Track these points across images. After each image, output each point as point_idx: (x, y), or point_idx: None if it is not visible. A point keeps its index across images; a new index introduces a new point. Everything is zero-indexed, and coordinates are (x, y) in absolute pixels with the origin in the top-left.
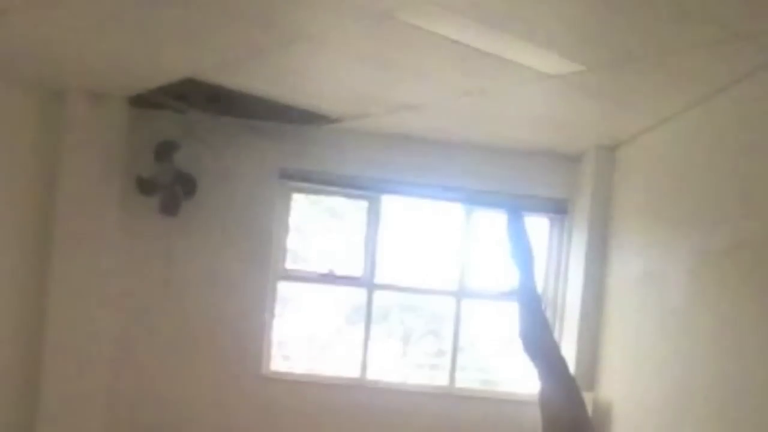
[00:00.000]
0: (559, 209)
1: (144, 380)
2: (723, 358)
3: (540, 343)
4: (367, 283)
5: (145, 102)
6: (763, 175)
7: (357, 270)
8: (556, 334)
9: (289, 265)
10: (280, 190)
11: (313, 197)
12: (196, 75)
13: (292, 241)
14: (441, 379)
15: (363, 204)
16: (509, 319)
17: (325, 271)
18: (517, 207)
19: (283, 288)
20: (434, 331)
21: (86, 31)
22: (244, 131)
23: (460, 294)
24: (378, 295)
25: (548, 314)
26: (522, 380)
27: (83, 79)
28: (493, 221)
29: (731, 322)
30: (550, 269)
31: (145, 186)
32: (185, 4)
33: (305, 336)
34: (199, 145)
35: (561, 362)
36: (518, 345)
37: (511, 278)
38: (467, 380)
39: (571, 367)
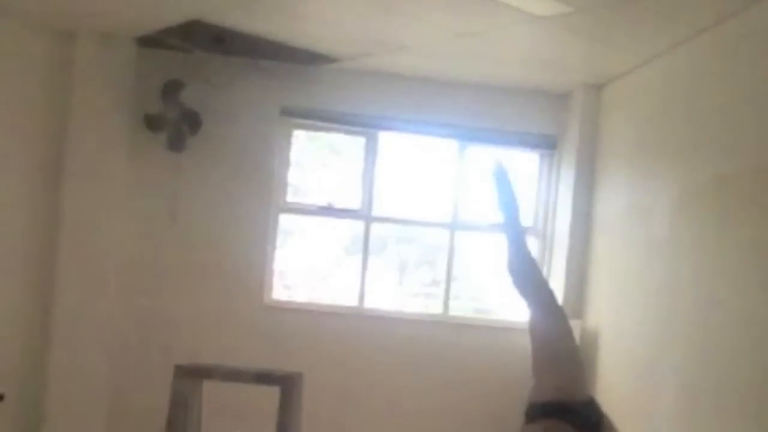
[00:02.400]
0: (548, 145)
1: (151, 308)
2: (706, 286)
3: (528, 276)
4: (364, 215)
5: (152, 42)
6: (744, 112)
7: (355, 203)
8: (545, 265)
9: (290, 198)
10: (281, 126)
11: (312, 133)
12: (201, 16)
13: (292, 176)
14: (435, 308)
15: (360, 140)
16: (500, 250)
17: (324, 204)
18: (501, 162)
19: (284, 220)
20: (429, 262)
21: None
22: (247, 71)
23: (454, 226)
24: (375, 227)
25: (538, 246)
26: (513, 309)
27: (93, 20)
28: (485, 156)
29: (713, 251)
30: (539, 203)
31: (152, 123)
32: None
33: (305, 266)
34: (204, 83)
35: (549, 294)
36: (508, 279)
37: (499, 219)
38: (460, 308)
39: (560, 297)
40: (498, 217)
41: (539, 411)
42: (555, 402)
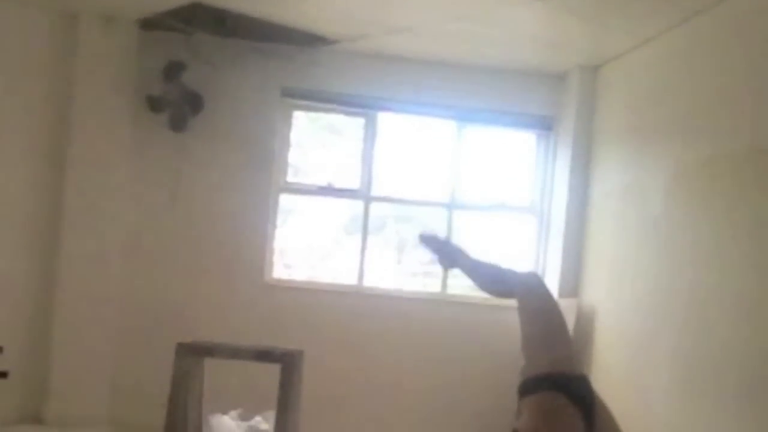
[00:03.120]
0: (545, 126)
1: (153, 287)
2: (700, 264)
3: (495, 285)
4: (363, 195)
5: (154, 25)
6: (738, 93)
7: (354, 183)
8: (542, 245)
9: (290, 178)
10: (281, 107)
11: (312, 114)
12: None
13: (293, 156)
14: (433, 286)
15: (360, 121)
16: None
17: (324, 183)
18: (424, 232)
19: (285, 200)
20: None
21: None
22: (248, 52)
23: (452, 205)
24: (374, 206)
25: (535, 225)
26: None
27: (95, 2)
28: (483, 137)
29: (708, 231)
30: (536, 182)
31: (154, 104)
32: None
33: (305, 245)
34: (206, 65)
35: (522, 280)
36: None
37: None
38: (458, 287)
39: (556, 276)
40: (445, 263)
41: (532, 385)
42: (549, 374)
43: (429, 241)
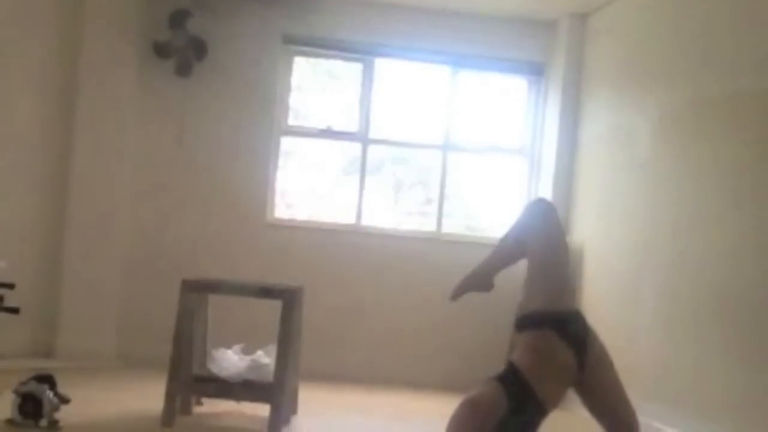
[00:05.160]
0: (536, 71)
1: (160, 226)
2: (685, 204)
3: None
4: (361, 137)
5: None
6: (722, 40)
7: (353, 126)
8: (533, 185)
9: (291, 121)
10: (283, 53)
11: (312, 60)
12: None
13: (293, 100)
14: (429, 225)
15: (358, 66)
16: (491, 170)
17: (323, 127)
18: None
19: (286, 142)
20: (423, 182)
21: None
22: (251, 0)
23: (446, 147)
24: (372, 148)
25: (526, 167)
26: (501, 226)
27: None
28: (476, 82)
29: (693, 171)
30: (527, 126)
31: (160, 50)
32: None
33: (306, 186)
34: (210, 13)
35: (529, 229)
36: None
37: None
38: (452, 226)
39: None
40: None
41: (528, 322)
42: (544, 313)
43: (463, 292)
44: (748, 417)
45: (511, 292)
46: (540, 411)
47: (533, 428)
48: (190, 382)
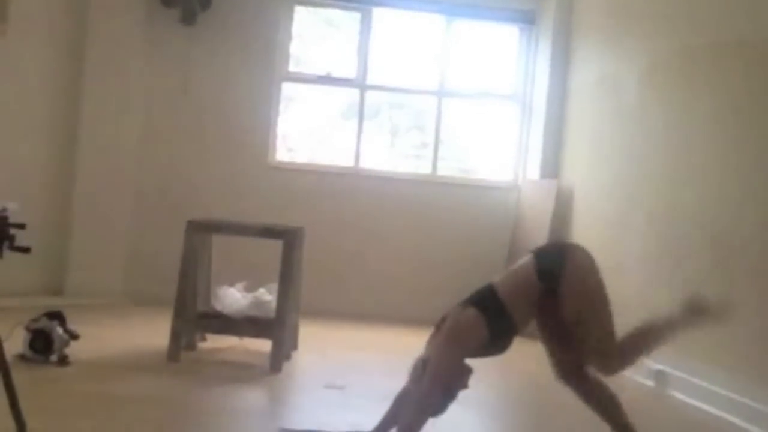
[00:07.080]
0: (527, 20)
1: (166, 170)
2: (671, 149)
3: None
4: (359, 83)
5: None
6: None
7: (351, 72)
8: (524, 130)
9: (292, 68)
10: (283, 2)
11: (312, 9)
12: None
13: (294, 48)
14: (424, 168)
15: (356, 15)
16: (484, 116)
17: (323, 73)
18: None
19: (287, 88)
20: (419, 126)
21: None
22: None
23: (441, 93)
24: (369, 94)
25: (518, 112)
26: (493, 169)
27: None
28: (470, 30)
29: (678, 117)
30: (519, 73)
31: None
32: None
33: (306, 130)
34: None
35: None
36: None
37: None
38: (447, 169)
39: (538, 159)
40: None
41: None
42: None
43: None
44: (741, 361)
45: (499, 232)
46: (514, 332)
47: (507, 348)
48: (195, 318)
